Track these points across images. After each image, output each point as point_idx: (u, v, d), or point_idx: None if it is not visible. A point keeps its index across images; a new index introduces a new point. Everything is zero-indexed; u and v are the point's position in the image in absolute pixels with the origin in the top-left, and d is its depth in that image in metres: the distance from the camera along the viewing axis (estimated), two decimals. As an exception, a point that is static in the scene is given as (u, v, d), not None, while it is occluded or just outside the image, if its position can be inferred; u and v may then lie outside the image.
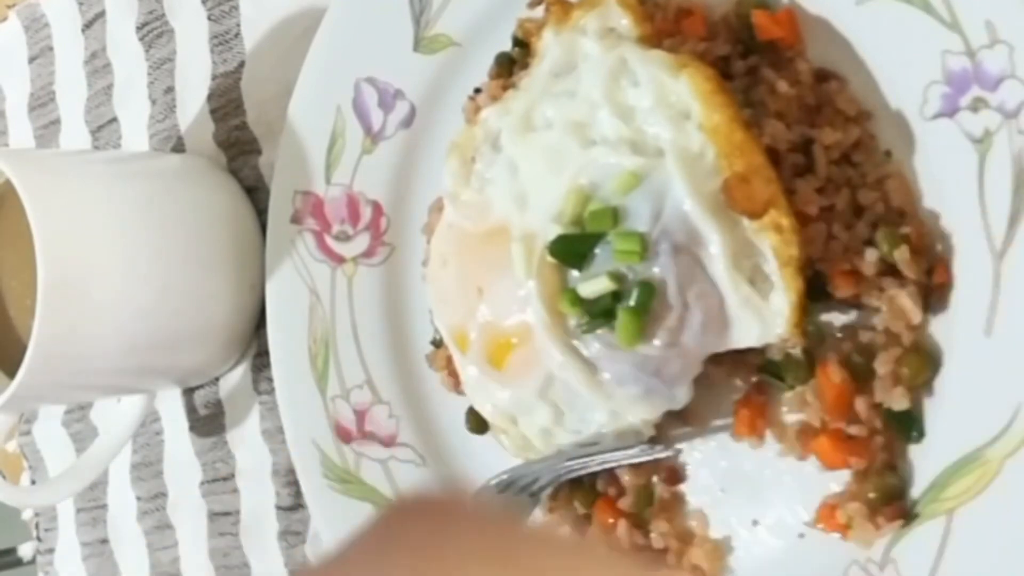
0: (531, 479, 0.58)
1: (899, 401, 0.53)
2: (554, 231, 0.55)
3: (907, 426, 0.54)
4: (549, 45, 0.59)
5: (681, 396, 0.56)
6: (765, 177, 0.52)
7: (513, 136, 0.59)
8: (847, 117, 0.56)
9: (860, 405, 0.54)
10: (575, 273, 0.55)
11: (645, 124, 0.55)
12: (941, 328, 0.54)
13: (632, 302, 0.53)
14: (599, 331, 0.54)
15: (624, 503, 0.60)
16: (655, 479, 0.61)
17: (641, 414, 0.56)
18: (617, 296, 0.53)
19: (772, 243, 0.52)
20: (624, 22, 0.58)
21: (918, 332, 0.54)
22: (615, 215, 0.54)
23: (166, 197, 0.73)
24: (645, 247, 0.53)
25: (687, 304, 0.53)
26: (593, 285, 0.54)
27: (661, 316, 0.53)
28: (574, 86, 0.58)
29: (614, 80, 0.56)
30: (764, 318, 0.53)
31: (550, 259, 0.55)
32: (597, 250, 0.54)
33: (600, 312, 0.54)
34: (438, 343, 0.68)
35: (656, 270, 0.53)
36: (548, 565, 0.32)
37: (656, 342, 0.53)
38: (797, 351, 0.55)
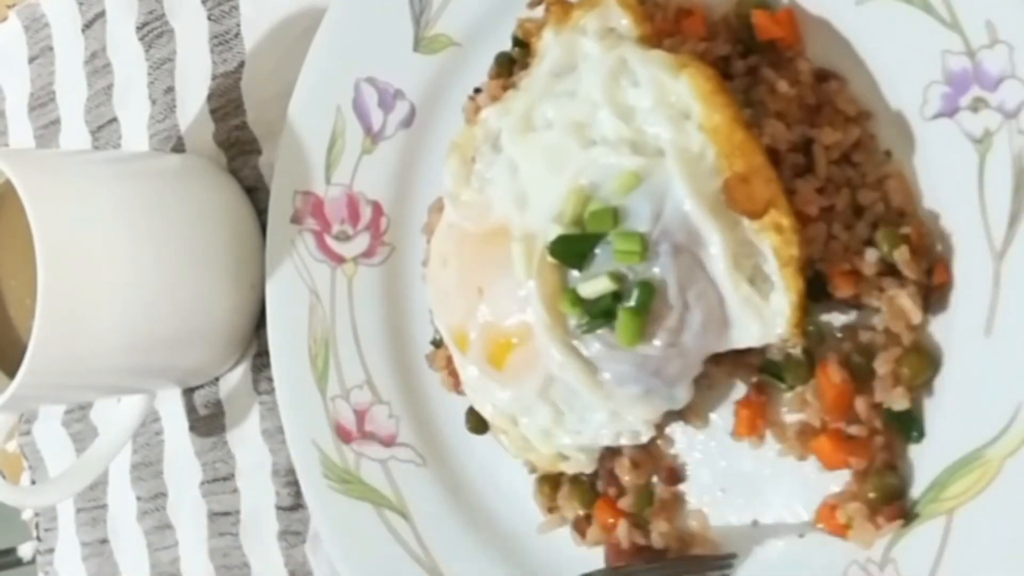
0: None
1: (899, 401, 0.53)
2: (554, 231, 0.55)
3: (907, 426, 0.54)
4: (549, 45, 0.59)
5: (681, 396, 0.56)
6: (765, 177, 0.52)
7: (513, 136, 0.59)
8: (847, 117, 0.56)
9: (860, 405, 0.54)
10: (575, 273, 0.55)
11: (645, 124, 0.55)
12: (941, 328, 0.54)
13: (632, 302, 0.53)
14: (599, 331, 0.54)
15: (624, 503, 0.60)
16: (655, 479, 0.61)
17: (641, 414, 0.56)
18: (617, 296, 0.53)
19: (772, 243, 0.52)
20: (624, 22, 0.58)
21: (918, 332, 0.54)
22: (615, 215, 0.54)
23: (166, 197, 0.73)
24: (645, 247, 0.53)
25: (687, 304, 0.53)
26: (593, 285, 0.54)
27: (661, 316, 0.53)
28: (574, 86, 0.58)
29: (614, 80, 0.56)
30: (764, 318, 0.53)
31: (550, 259, 0.55)
32: (597, 250, 0.54)
33: (600, 312, 0.54)
34: (438, 343, 0.68)
35: (656, 270, 0.53)
36: None
37: (656, 342, 0.53)
38: (797, 351, 0.55)
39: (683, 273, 0.53)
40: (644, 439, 0.58)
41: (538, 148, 0.58)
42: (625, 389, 0.55)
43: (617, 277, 0.53)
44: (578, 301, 0.54)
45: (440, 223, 0.62)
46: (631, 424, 0.57)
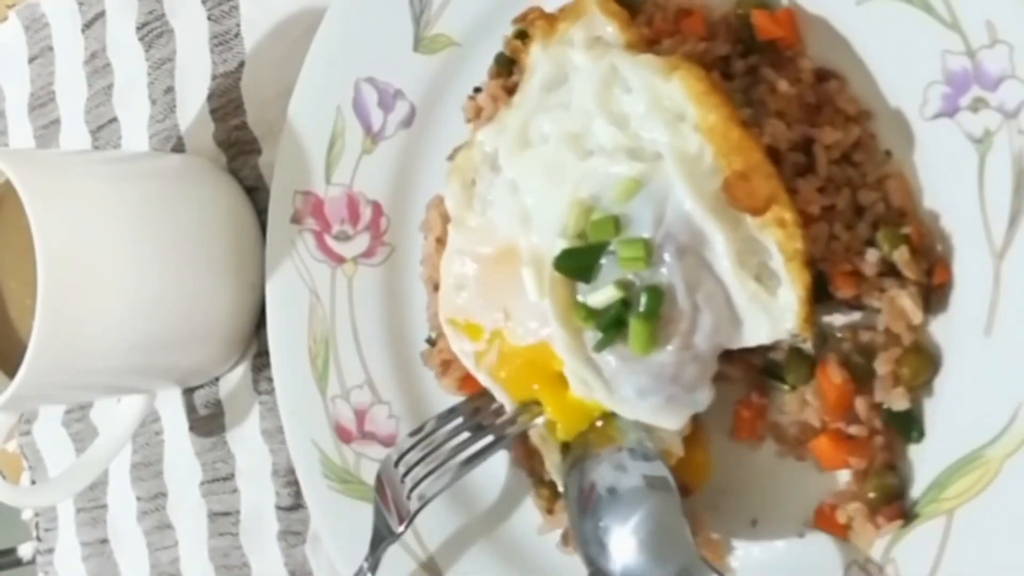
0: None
1: (899, 401, 0.53)
2: (560, 246, 0.55)
3: (907, 426, 0.54)
4: (538, 60, 0.59)
5: (703, 398, 0.55)
6: (765, 173, 0.52)
7: (511, 154, 0.58)
8: (847, 116, 0.56)
9: (860, 405, 0.54)
10: (586, 287, 0.55)
11: (641, 130, 0.55)
12: (941, 328, 0.54)
13: (641, 308, 0.53)
14: (614, 345, 0.54)
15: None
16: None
17: (669, 423, 0.56)
18: (627, 304, 0.53)
19: (776, 238, 0.52)
20: (610, 29, 0.58)
21: (918, 332, 0.54)
22: (617, 223, 0.54)
23: (166, 197, 0.73)
24: (650, 252, 0.53)
25: (697, 306, 0.53)
26: (601, 295, 0.54)
27: (672, 320, 0.53)
28: (567, 98, 0.58)
29: (606, 88, 0.56)
30: (772, 314, 0.53)
31: (558, 275, 0.55)
32: (603, 260, 0.54)
33: (611, 322, 0.53)
34: (432, 341, 0.68)
35: (663, 272, 0.53)
36: None
37: (669, 347, 0.53)
38: (808, 346, 0.55)
39: (690, 275, 0.53)
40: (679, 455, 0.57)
41: (536, 164, 0.57)
42: (647, 401, 0.55)
43: (624, 285, 0.53)
44: (591, 315, 0.54)
45: (447, 248, 0.62)
46: (664, 442, 0.56)
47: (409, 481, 0.61)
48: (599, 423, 0.57)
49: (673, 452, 0.56)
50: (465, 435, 0.62)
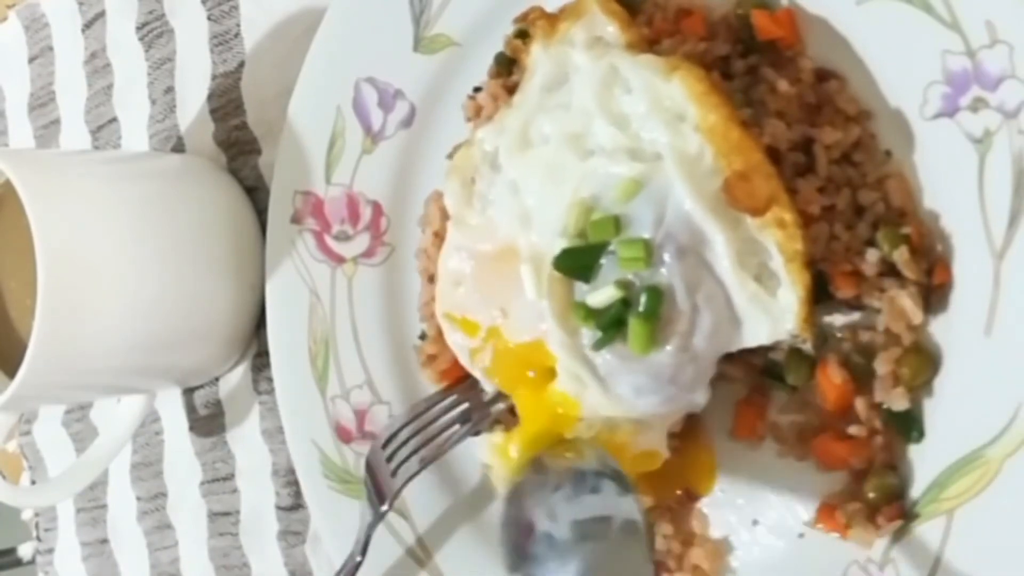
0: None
1: (899, 401, 0.53)
2: (560, 246, 0.55)
3: (907, 426, 0.54)
4: (539, 60, 0.59)
5: (700, 399, 0.55)
6: (765, 173, 0.52)
7: (511, 154, 0.58)
8: (847, 116, 0.56)
9: (860, 405, 0.54)
10: (584, 287, 0.55)
11: (641, 130, 0.55)
12: (941, 328, 0.54)
13: (641, 308, 0.53)
14: (612, 344, 0.54)
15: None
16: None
17: (660, 419, 0.56)
18: (626, 304, 0.53)
19: (776, 239, 0.52)
20: (610, 29, 0.58)
21: (918, 332, 0.54)
22: (617, 223, 0.54)
23: (166, 197, 0.73)
24: (650, 252, 0.53)
25: (696, 306, 0.53)
26: (601, 295, 0.54)
27: (672, 321, 0.53)
28: (567, 99, 0.58)
29: (606, 89, 0.56)
30: (773, 314, 0.53)
31: (557, 274, 0.55)
32: (603, 260, 0.54)
33: (611, 322, 0.53)
34: (424, 335, 0.68)
35: (663, 272, 0.53)
36: None
37: (669, 347, 0.53)
38: (808, 346, 0.55)
39: (689, 275, 0.53)
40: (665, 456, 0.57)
41: (537, 164, 0.57)
42: (644, 400, 0.55)
43: (624, 285, 0.53)
44: (590, 314, 0.54)
45: (446, 244, 0.62)
46: (650, 442, 0.57)
47: (395, 462, 0.62)
48: (580, 432, 0.57)
49: (659, 453, 0.57)
50: (451, 415, 0.64)
